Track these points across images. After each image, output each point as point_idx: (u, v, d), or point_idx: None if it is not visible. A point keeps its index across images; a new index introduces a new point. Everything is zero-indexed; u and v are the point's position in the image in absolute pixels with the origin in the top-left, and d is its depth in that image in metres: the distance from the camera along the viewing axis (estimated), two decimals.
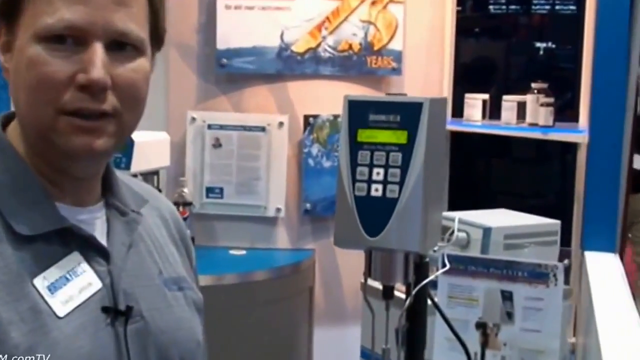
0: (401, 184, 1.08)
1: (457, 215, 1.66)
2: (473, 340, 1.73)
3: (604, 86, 2.11)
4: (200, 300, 1.14)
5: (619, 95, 2.10)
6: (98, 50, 0.94)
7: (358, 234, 1.10)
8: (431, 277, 1.24)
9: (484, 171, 3.42)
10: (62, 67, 0.94)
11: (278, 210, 2.96)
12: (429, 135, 1.09)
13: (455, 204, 3.12)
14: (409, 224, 1.08)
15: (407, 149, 1.08)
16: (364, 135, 1.11)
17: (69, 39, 0.94)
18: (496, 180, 3.46)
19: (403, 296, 1.21)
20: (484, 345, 1.73)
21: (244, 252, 2.96)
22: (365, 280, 1.19)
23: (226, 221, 2.99)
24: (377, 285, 1.21)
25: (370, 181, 1.09)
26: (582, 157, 2.67)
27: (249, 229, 2.99)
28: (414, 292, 1.19)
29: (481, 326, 1.72)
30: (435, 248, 1.66)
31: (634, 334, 1.47)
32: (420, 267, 1.21)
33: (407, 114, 1.09)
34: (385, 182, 1.09)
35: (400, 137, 1.09)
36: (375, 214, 1.09)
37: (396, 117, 1.10)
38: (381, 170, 1.09)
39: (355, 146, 1.11)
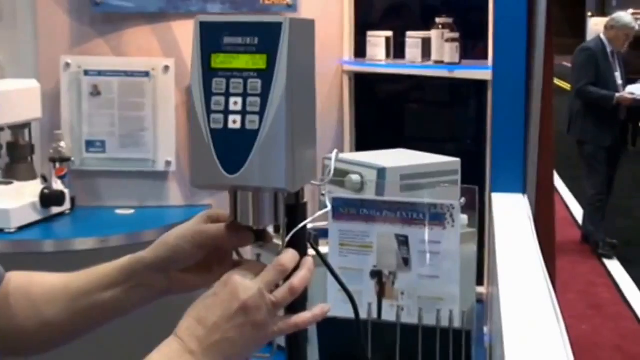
0: (261, 113, 1.06)
1: (340, 154, 1.63)
2: (369, 291, 1.72)
3: (505, 14, 2.12)
4: None
5: (519, 24, 2.10)
6: None
7: (216, 172, 1.06)
8: (307, 221, 1.21)
9: (392, 115, 3.42)
10: None
11: (168, 163, 2.91)
12: (290, 59, 1.06)
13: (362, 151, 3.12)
14: (271, 158, 1.05)
15: (266, 75, 1.06)
16: (218, 61, 1.07)
17: None
18: (407, 124, 3.47)
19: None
20: (380, 295, 1.71)
21: (132, 211, 2.91)
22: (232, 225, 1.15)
23: (111, 178, 2.92)
24: None
25: (227, 112, 1.06)
26: (491, 96, 2.69)
27: (136, 185, 2.94)
28: (287, 238, 1.16)
29: (376, 275, 1.71)
30: (324, 191, 1.65)
31: (535, 283, 1.48)
32: (297, 209, 1.18)
33: (266, 36, 1.06)
34: (244, 113, 1.06)
35: (259, 61, 1.06)
36: (234, 148, 1.06)
37: (253, 39, 1.07)
38: (239, 100, 1.06)
39: (208, 73, 1.08)
